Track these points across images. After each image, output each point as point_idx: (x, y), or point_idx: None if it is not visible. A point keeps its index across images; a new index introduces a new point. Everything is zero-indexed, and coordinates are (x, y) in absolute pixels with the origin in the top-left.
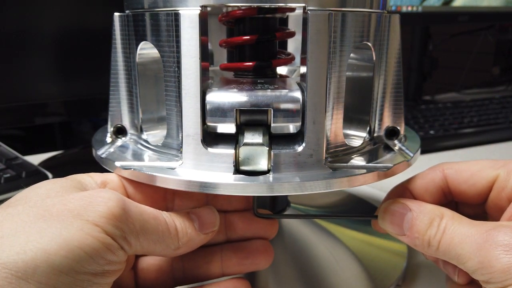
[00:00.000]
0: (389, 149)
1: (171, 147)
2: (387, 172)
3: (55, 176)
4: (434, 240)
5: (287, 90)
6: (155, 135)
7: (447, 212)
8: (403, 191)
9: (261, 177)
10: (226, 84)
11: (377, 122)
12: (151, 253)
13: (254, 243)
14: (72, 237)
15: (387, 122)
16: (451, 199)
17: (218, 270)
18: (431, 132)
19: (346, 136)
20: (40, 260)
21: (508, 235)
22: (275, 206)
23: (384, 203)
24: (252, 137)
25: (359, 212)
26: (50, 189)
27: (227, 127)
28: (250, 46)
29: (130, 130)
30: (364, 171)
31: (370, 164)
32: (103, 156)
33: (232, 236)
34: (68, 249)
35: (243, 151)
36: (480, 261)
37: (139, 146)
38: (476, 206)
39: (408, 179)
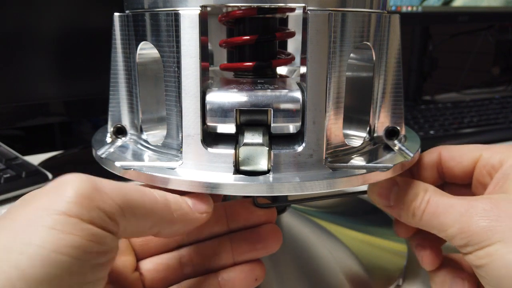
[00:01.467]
0: (389, 149)
1: (171, 147)
2: (386, 172)
3: (55, 176)
4: (418, 210)
5: (287, 90)
6: (155, 135)
7: (431, 187)
8: None
9: (261, 177)
10: (226, 84)
11: (377, 122)
12: (146, 232)
13: (262, 227)
14: (45, 243)
15: (387, 122)
16: (444, 181)
17: (229, 259)
18: (431, 132)
19: (346, 136)
20: (17, 282)
21: (487, 205)
22: None
23: None
24: (252, 137)
25: (359, 211)
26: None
27: (227, 127)
28: (250, 46)
29: (130, 130)
30: (364, 171)
31: (370, 164)
32: (103, 156)
33: (234, 226)
34: (45, 261)
35: (243, 151)
36: (461, 227)
37: (139, 146)
38: (464, 189)
39: None
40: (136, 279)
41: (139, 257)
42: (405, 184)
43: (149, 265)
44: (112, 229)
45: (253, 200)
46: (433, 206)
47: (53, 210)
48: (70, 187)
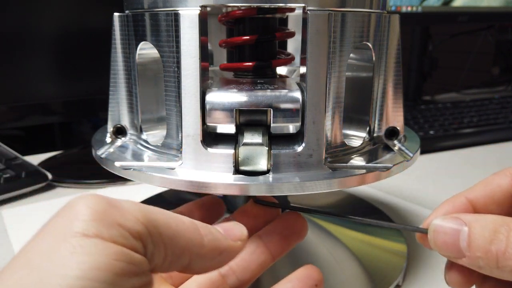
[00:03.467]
0: (388, 149)
1: (171, 147)
2: (386, 172)
3: (55, 176)
4: (505, 259)
5: (287, 90)
6: (155, 135)
7: None
8: (461, 204)
9: (260, 177)
10: (226, 84)
11: (376, 122)
12: (175, 262)
13: (282, 216)
14: (68, 270)
15: (387, 122)
16: None
17: (268, 256)
18: (431, 132)
19: (346, 136)
20: None
21: None
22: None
23: (434, 220)
24: (252, 137)
25: (359, 211)
26: None
27: (227, 127)
28: (250, 46)
29: (130, 130)
30: (364, 171)
31: (369, 164)
32: (102, 156)
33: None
34: None
35: (242, 151)
36: None
37: (139, 146)
38: None
39: (467, 189)
40: None
41: (175, 285)
42: (477, 222)
43: (191, 285)
44: (139, 250)
45: (254, 197)
46: None
47: (69, 233)
48: (83, 206)
